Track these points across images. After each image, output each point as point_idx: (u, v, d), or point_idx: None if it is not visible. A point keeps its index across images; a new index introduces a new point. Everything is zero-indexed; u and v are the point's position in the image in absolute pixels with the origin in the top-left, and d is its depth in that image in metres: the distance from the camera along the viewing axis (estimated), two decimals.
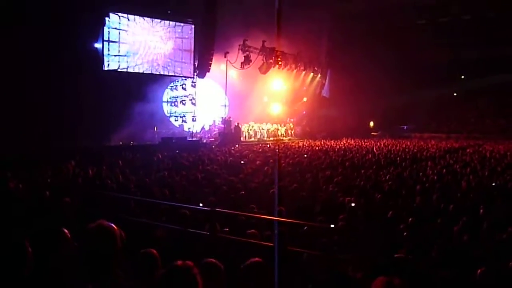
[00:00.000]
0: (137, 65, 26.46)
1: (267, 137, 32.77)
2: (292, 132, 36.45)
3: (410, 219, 7.47)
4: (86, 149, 17.96)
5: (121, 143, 22.90)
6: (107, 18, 24.33)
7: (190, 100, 29.09)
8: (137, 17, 26.34)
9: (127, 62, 25.86)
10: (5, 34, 17.53)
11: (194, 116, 28.95)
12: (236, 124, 28.80)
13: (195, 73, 28.86)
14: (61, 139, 18.98)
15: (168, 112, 30.25)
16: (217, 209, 6.37)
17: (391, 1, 36.93)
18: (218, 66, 29.57)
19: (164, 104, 30.10)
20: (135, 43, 26.26)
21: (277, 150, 21.78)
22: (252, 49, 29.87)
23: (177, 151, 19.14)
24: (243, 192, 9.75)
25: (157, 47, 27.42)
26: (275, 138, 32.23)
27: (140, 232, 5.78)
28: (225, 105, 31.29)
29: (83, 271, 2.80)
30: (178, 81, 29.88)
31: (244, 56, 29.36)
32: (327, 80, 41.09)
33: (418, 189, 10.81)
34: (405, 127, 46.00)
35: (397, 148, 24.69)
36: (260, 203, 8.24)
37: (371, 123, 46.07)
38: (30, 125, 18.92)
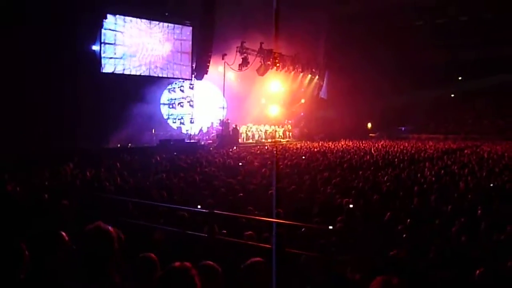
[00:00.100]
0: (135, 67, 26.46)
1: (265, 139, 32.78)
2: (290, 134, 36.45)
3: (408, 220, 7.47)
4: (84, 151, 17.94)
5: (119, 145, 22.89)
6: (104, 20, 24.32)
7: (188, 102, 29.09)
8: (135, 19, 26.36)
9: (125, 64, 25.86)
10: (3, 35, 17.53)
11: (192, 118, 28.94)
12: (234, 126, 28.78)
13: (193, 75, 28.87)
14: (59, 141, 18.95)
15: (166, 114, 30.24)
16: (215, 211, 6.36)
17: (388, 3, 37.03)
18: (216, 68, 29.58)
19: (162, 106, 30.09)
20: (133, 45, 26.27)
21: (275, 152, 21.77)
22: (250, 51, 29.89)
23: (175, 153, 19.12)
24: (241, 194, 9.75)
25: (155, 49, 27.42)
26: (273, 140, 32.21)
27: (139, 234, 5.77)
28: (223, 107, 31.29)
29: (81, 273, 2.79)
30: (176, 83, 29.88)
31: (242, 58, 29.39)
32: (325, 82, 41.12)
33: (416, 190, 10.81)
34: (403, 128, 46.07)
35: (395, 149, 24.71)
36: (258, 205, 8.24)
37: (369, 125, 46.12)
38: (28, 127, 18.90)
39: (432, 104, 45.44)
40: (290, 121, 37.65)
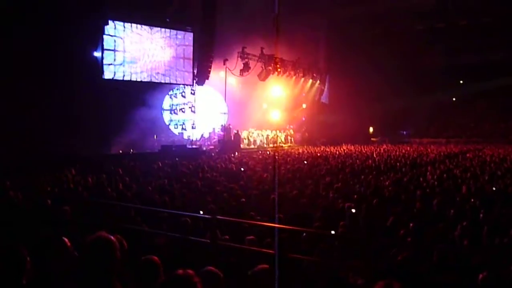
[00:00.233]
0: (136, 73, 26.52)
1: (266, 144, 32.75)
2: (292, 139, 36.44)
3: (410, 224, 7.45)
4: (86, 157, 17.97)
5: (121, 151, 22.91)
6: (106, 27, 24.39)
7: (189, 107, 29.11)
8: (136, 25, 26.43)
9: (126, 70, 25.91)
10: (4, 42, 17.60)
11: (193, 124, 28.97)
12: (235, 132, 28.79)
13: (194, 81, 28.91)
14: (61, 147, 18.96)
15: (168, 120, 30.27)
16: (218, 217, 6.36)
17: (389, 7, 37.08)
18: (217, 74, 29.63)
19: (164, 112, 30.11)
20: (134, 51, 26.33)
21: (277, 157, 21.75)
22: (251, 56, 29.95)
23: (177, 159, 19.14)
24: (244, 200, 9.74)
25: (156, 55, 27.48)
26: (274, 145, 32.19)
27: (141, 240, 5.77)
28: (224, 113, 31.32)
29: (83, 281, 2.79)
30: (177, 89, 29.92)
31: (243, 63, 29.44)
32: (326, 86, 41.18)
33: (418, 194, 10.78)
34: (404, 133, 46.06)
35: (397, 153, 24.69)
36: (260, 210, 8.23)
37: (371, 129, 46.10)
38: (29, 133, 18.91)
39: (433, 108, 45.47)
40: (291, 126, 37.64)
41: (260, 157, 22.15)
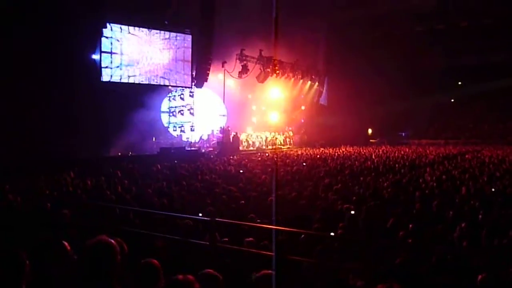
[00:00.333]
0: (135, 75, 26.51)
1: (265, 146, 32.76)
2: (291, 141, 36.44)
3: (410, 225, 7.45)
4: (85, 160, 17.95)
5: (120, 153, 22.90)
6: (104, 29, 24.39)
7: (188, 110, 29.15)
8: (134, 28, 26.44)
9: (124, 73, 25.91)
10: (3, 45, 17.60)
11: (192, 126, 28.98)
12: (234, 134, 28.81)
13: (193, 83, 28.93)
14: (60, 150, 18.96)
15: (167, 122, 30.27)
16: (217, 219, 6.36)
17: (388, 9, 37.12)
18: (216, 76, 29.67)
19: (163, 115, 30.13)
20: (132, 54, 26.32)
21: (276, 159, 21.76)
22: (250, 58, 29.99)
23: (175, 161, 19.13)
24: (243, 202, 9.74)
25: (154, 57, 27.48)
26: (273, 147, 32.19)
27: (140, 242, 5.76)
28: (223, 115, 31.33)
29: (83, 284, 2.78)
30: (176, 91, 29.94)
31: (242, 66, 29.50)
32: (324, 88, 41.22)
33: (417, 195, 10.79)
34: (403, 134, 46.10)
35: (396, 155, 24.71)
36: (259, 212, 8.22)
37: (370, 130, 46.14)
38: (28, 136, 18.89)
39: (432, 109, 45.53)
40: (290, 128, 37.66)
41: (259, 159, 22.15)
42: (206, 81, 28.33)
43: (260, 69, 31.03)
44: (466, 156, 24.83)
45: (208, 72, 27.77)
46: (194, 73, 28.65)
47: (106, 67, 24.88)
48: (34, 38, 18.77)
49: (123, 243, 3.65)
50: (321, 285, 4.98)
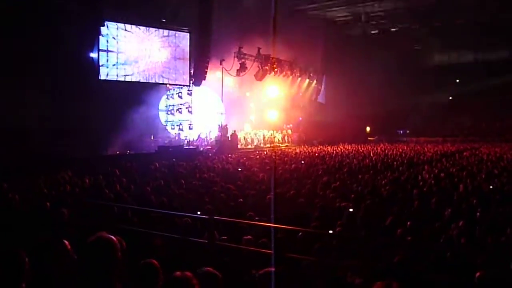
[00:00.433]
0: (133, 74, 26.46)
1: (264, 144, 32.74)
2: (289, 139, 36.43)
3: (408, 223, 7.47)
4: (83, 159, 17.93)
5: (117, 152, 22.87)
6: (102, 28, 24.34)
7: (186, 108, 29.09)
8: (132, 26, 26.37)
9: (122, 71, 25.84)
10: (1, 43, 17.58)
11: (190, 124, 28.95)
12: (232, 132, 28.78)
13: (191, 81, 28.88)
14: (58, 148, 18.94)
15: (165, 120, 30.24)
16: (215, 217, 6.36)
17: (385, 6, 37.09)
18: (214, 74, 29.62)
19: (161, 113, 30.09)
20: (130, 52, 26.27)
21: (274, 157, 21.77)
22: (248, 56, 29.97)
23: (174, 160, 19.12)
24: (241, 200, 9.75)
25: (152, 55, 27.43)
26: (272, 145, 32.19)
27: (138, 241, 5.76)
28: (221, 113, 31.30)
29: (83, 284, 2.77)
30: (174, 90, 29.89)
31: (240, 64, 29.49)
32: (322, 86, 41.22)
33: (415, 193, 10.81)
34: (401, 132, 46.14)
35: (394, 152, 24.74)
36: (258, 211, 8.24)
37: (368, 128, 46.16)
38: (26, 135, 18.88)
39: (430, 107, 45.52)
40: (288, 126, 37.65)
41: (257, 157, 22.15)
42: (204, 79, 28.28)
43: (258, 67, 31.02)
44: (464, 153, 24.88)
45: (206, 70, 27.71)
46: (192, 71, 28.60)
47: (104, 65, 24.83)
48: (33, 37, 18.78)
49: (123, 241, 3.65)
50: (319, 282, 5.00)
